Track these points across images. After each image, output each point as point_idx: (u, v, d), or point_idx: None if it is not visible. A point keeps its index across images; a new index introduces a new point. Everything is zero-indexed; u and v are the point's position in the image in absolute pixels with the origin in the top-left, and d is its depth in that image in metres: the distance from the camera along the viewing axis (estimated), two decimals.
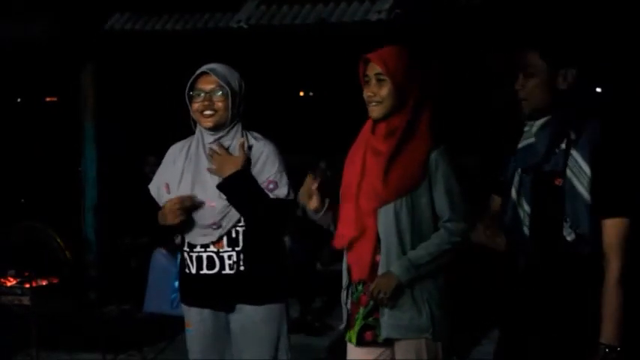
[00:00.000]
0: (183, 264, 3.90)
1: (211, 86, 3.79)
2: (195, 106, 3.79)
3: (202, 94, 3.79)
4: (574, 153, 3.08)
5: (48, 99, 11.35)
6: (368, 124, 3.62)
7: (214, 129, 3.81)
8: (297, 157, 8.81)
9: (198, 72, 3.81)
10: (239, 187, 3.77)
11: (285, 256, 4.05)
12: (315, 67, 9.11)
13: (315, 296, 7.63)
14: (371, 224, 3.51)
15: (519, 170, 3.23)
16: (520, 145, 3.24)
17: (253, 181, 3.79)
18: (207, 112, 3.78)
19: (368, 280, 3.53)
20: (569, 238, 3.07)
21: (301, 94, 10.73)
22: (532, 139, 3.19)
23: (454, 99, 7.26)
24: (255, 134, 3.93)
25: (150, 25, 8.33)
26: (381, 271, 3.50)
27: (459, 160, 3.58)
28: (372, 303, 3.54)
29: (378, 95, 3.50)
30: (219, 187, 3.76)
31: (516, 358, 3.27)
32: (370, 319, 3.56)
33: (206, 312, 3.88)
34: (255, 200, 3.78)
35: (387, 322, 3.50)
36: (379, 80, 3.50)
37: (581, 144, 3.08)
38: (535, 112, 3.19)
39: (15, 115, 10.71)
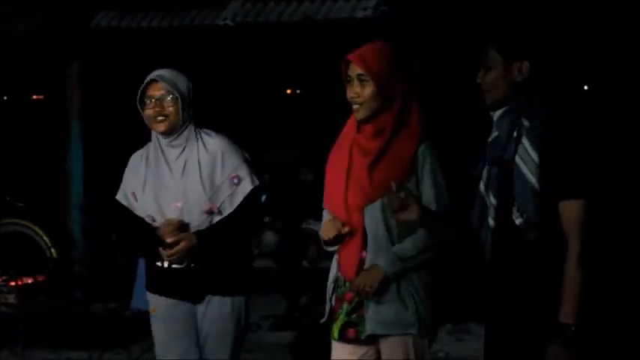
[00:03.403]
0: (154, 257, 3.95)
1: (160, 92, 3.88)
2: (148, 112, 3.88)
3: (153, 101, 3.87)
4: (524, 140, 3.17)
5: (34, 97, 11.30)
6: (352, 121, 3.60)
7: (167, 133, 3.89)
8: (284, 154, 8.85)
9: (147, 80, 3.89)
10: (213, 241, 3.88)
11: (251, 249, 4.20)
12: (301, 65, 9.11)
13: (302, 293, 7.65)
14: (358, 221, 3.51)
15: (487, 164, 3.31)
16: (489, 139, 3.33)
17: (221, 228, 3.89)
18: (160, 118, 3.87)
19: (354, 277, 3.53)
20: (517, 222, 3.15)
21: (288, 91, 10.72)
22: (496, 132, 3.27)
23: (443, 94, 7.27)
24: (208, 131, 4.00)
25: (136, 22, 8.30)
26: (368, 265, 3.50)
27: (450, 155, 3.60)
28: (356, 300, 3.54)
29: (361, 96, 3.47)
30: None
31: (502, 349, 3.32)
32: (354, 315, 3.55)
33: (177, 302, 3.96)
34: (238, 232, 3.95)
35: (372, 317, 3.49)
36: (361, 81, 3.47)
37: (532, 131, 3.17)
38: (495, 103, 3.28)
39: (1, 113, 10.67)
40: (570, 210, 3.13)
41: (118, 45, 8.59)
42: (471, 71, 3.43)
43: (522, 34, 3.30)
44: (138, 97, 3.89)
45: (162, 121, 3.86)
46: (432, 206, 3.47)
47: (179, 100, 3.86)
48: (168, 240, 3.81)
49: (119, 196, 4.04)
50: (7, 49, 8.55)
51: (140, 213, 3.97)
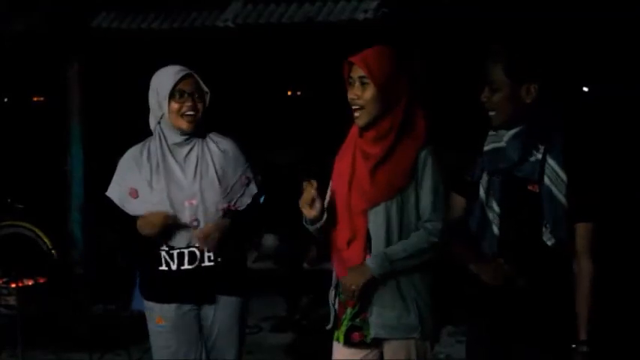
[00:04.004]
0: (156, 262, 3.92)
1: (193, 87, 3.88)
2: (176, 106, 3.86)
3: (185, 95, 3.86)
4: (550, 161, 3.20)
5: (35, 98, 11.30)
6: (354, 128, 3.60)
7: (189, 130, 3.88)
8: (285, 155, 8.84)
9: (182, 74, 3.87)
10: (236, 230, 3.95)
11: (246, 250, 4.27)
12: (302, 67, 9.10)
13: (303, 295, 7.64)
14: (361, 225, 3.51)
15: (487, 172, 3.30)
16: (487, 148, 3.33)
17: (238, 221, 3.95)
18: (190, 113, 3.86)
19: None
20: (549, 243, 3.18)
21: (289, 93, 10.71)
22: (502, 144, 3.28)
23: (443, 96, 7.27)
24: (215, 133, 4.02)
25: (136, 23, 8.30)
26: None
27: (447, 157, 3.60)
28: (359, 304, 3.53)
29: (361, 98, 3.47)
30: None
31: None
32: (357, 319, 3.56)
33: (184, 307, 3.95)
34: (251, 226, 4.10)
35: (375, 321, 3.50)
36: (363, 83, 3.47)
37: (555, 152, 3.19)
38: (503, 123, 3.29)
39: (2, 115, 10.67)
40: (585, 231, 3.19)
41: (118, 46, 8.59)
42: (471, 73, 3.42)
43: (530, 57, 3.29)
44: (169, 91, 3.85)
45: (192, 117, 3.86)
46: (427, 212, 3.46)
47: (207, 97, 3.91)
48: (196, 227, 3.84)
49: (112, 193, 3.97)
50: (8, 50, 8.55)
51: (138, 211, 3.90)
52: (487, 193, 3.31)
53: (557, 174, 3.17)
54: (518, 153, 3.23)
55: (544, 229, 3.17)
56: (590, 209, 3.19)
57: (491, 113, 3.29)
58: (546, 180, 3.18)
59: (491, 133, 3.36)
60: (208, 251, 3.88)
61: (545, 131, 3.23)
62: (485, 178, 3.33)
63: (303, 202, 3.50)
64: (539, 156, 3.20)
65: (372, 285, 3.45)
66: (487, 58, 3.31)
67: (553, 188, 3.17)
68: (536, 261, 3.23)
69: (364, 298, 3.47)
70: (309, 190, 3.48)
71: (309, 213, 3.50)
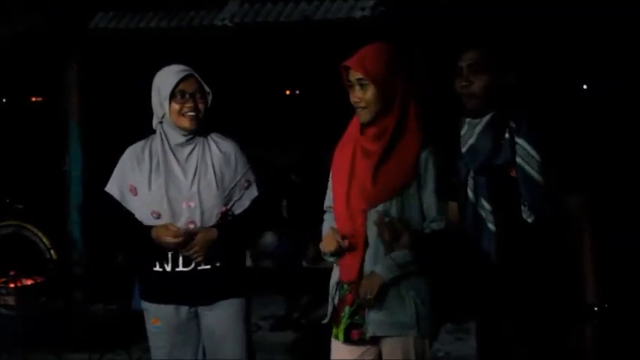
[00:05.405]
0: (151, 262, 3.92)
1: (194, 88, 3.86)
2: (177, 107, 3.84)
3: (186, 96, 3.84)
4: (519, 141, 3.24)
5: (34, 99, 11.30)
6: (355, 122, 3.61)
7: (190, 130, 3.87)
8: (284, 155, 8.84)
9: (183, 74, 3.86)
10: (228, 236, 3.90)
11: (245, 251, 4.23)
12: (300, 65, 9.10)
13: (302, 294, 7.64)
14: (361, 225, 3.51)
15: (472, 172, 3.32)
16: (465, 149, 3.36)
17: (233, 226, 3.92)
18: (191, 114, 3.84)
19: (356, 281, 3.53)
20: (529, 220, 3.23)
21: (287, 92, 10.71)
22: (473, 139, 3.30)
23: (441, 95, 7.27)
24: (217, 134, 4.00)
25: (134, 23, 8.30)
26: (366, 269, 3.50)
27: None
28: (358, 301, 3.54)
29: (363, 100, 3.48)
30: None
31: (504, 344, 3.40)
32: (356, 317, 3.56)
33: (180, 308, 3.94)
34: (248, 230, 4.02)
35: (373, 319, 3.51)
36: (362, 85, 3.48)
37: (524, 131, 3.24)
38: (481, 108, 3.30)
39: (1, 116, 10.67)
40: (576, 202, 3.26)
41: (116, 46, 8.59)
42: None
43: (507, 44, 3.34)
44: (169, 91, 3.83)
45: (193, 117, 3.84)
46: (432, 213, 3.47)
47: (209, 97, 3.89)
48: (182, 233, 3.78)
49: (110, 188, 3.95)
50: (7, 50, 8.55)
51: (137, 209, 3.90)
52: (475, 193, 3.35)
53: (527, 151, 3.22)
54: (491, 139, 3.29)
55: (522, 207, 3.22)
56: (575, 181, 3.26)
57: (473, 98, 3.32)
58: (518, 160, 3.24)
59: (462, 132, 3.41)
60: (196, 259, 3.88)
61: (514, 110, 3.29)
62: (470, 179, 3.36)
63: (326, 245, 3.53)
64: (507, 135, 3.26)
65: (387, 289, 3.46)
66: (468, 48, 3.36)
67: (525, 166, 3.22)
68: (528, 246, 3.26)
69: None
70: (337, 241, 3.49)
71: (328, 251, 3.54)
